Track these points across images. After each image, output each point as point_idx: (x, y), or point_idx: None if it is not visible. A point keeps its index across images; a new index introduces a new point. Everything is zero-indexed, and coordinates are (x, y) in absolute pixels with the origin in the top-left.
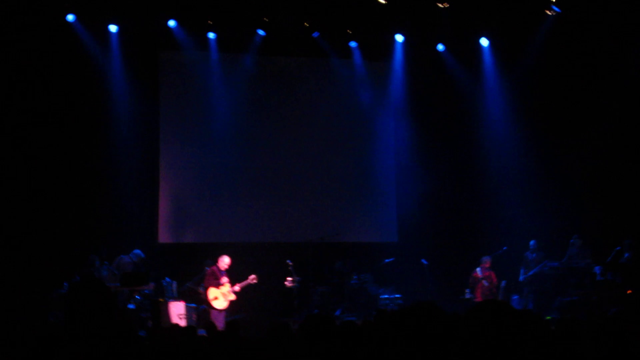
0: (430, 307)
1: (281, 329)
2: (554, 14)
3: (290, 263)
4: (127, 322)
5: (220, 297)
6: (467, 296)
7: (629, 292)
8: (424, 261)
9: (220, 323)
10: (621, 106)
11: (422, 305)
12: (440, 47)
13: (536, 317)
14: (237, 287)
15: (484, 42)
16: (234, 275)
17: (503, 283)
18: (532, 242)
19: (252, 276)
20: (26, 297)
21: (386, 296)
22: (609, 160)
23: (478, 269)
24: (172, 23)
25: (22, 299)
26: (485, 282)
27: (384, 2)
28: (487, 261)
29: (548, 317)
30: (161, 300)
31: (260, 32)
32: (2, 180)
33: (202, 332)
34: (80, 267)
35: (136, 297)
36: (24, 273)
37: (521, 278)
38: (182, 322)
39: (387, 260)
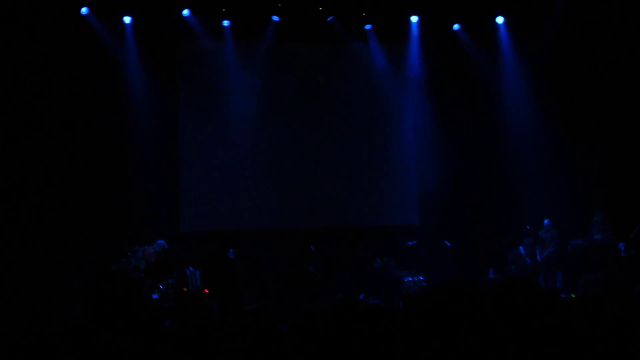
0: (463, 286)
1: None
2: None
3: (313, 249)
4: (151, 312)
5: None
6: (491, 276)
7: None
8: (447, 243)
9: None
10: None
11: (455, 284)
12: (455, 26)
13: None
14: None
15: (499, 19)
16: (258, 263)
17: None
18: (546, 221)
19: None
20: (44, 290)
21: (409, 279)
22: (632, 136)
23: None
24: (186, 12)
25: (39, 292)
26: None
27: None
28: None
29: (573, 295)
30: (185, 289)
31: (275, 18)
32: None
33: None
34: (120, 256)
35: (160, 287)
36: (43, 265)
37: (538, 258)
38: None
39: (410, 243)
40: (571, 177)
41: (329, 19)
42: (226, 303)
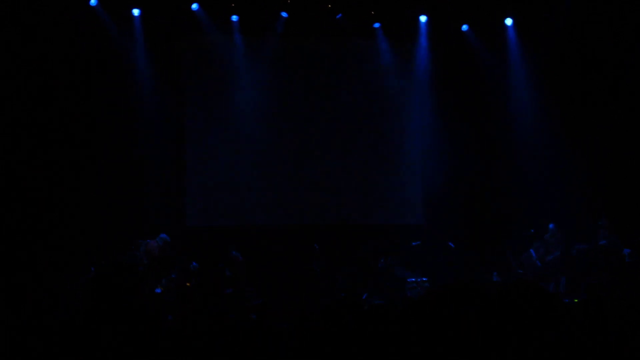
0: (469, 289)
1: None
2: None
3: (317, 247)
4: (154, 307)
5: None
6: (495, 279)
7: None
8: (450, 244)
9: None
10: None
11: (461, 287)
12: (464, 27)
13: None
14: None
15: (508, 21)
16: (261, 260)
17: None
18: (551, 225)
19: None
20: (47, 285)
21: (413, 279)
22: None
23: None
24: (194, 6)
25: (41, 288)
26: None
27: None
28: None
29: (576, 300)
30: (188, 284)
31: (283, 14)
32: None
33: None
34: (124, 250)
35: (162, 281)
36: (46, 260)
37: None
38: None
39: (414, 243)
40: (578, 180)
41: (337, 16)
42: (227, 301)
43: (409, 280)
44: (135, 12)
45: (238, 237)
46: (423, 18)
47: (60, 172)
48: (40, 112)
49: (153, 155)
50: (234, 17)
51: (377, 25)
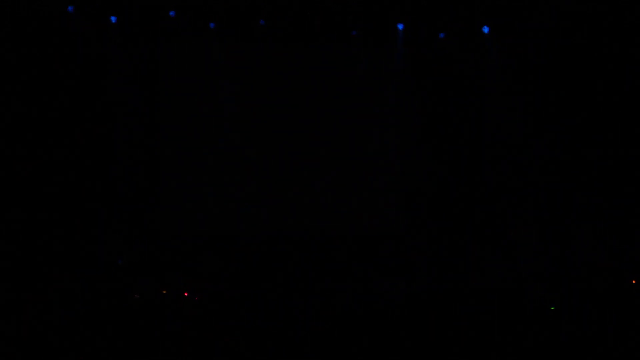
0: (450, 295)
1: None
2: None
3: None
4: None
5: None
6: (473, 285)
7: None
8: (428, 249)
9: None
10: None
11: (438, 295)
12: (441, 35)
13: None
14: None
15: (485, 29)
16: (235, 271)
17: None
18: (523, 233)
19: None
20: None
21: (390, 286)
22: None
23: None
24: (172, 13)
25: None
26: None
27: None
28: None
29: (552, 308)
30: (164, 292)
31: (261, 21)
32: None
33: None
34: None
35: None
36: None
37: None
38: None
39: (390, 250)
40: (558, 183)
41: (315, 22)
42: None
43: (386, 287)
44: (112, 18)
45: (211, 245)
46: (400, 25)
47: (33, 175)
48: (13, 113)
49: (127, 162)
50: (212, 25)
51: (354, 32)
